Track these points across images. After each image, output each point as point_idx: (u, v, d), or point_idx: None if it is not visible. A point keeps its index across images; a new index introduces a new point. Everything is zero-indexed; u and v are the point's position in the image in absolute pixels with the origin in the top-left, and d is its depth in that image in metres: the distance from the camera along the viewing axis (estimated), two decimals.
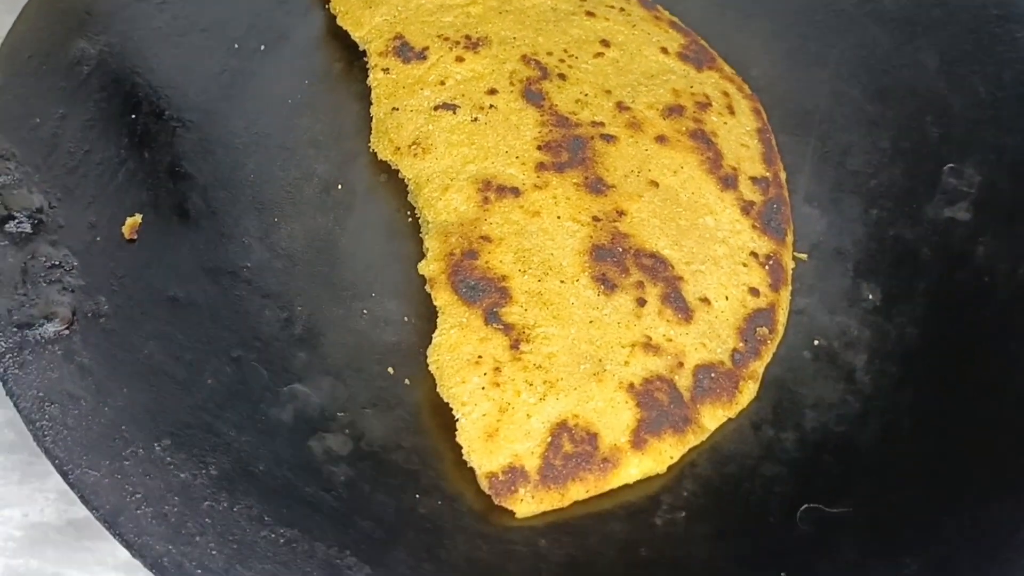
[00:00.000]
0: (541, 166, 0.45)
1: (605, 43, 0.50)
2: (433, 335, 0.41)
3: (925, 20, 0.53)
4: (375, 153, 0.47)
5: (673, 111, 0.48)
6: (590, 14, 0.51)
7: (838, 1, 0.54)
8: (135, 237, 0.42)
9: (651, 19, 0.52)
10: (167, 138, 0.46)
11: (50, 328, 0.39)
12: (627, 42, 0.50)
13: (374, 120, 0.47)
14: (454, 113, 0.47)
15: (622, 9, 0.52)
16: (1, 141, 0.42)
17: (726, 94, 0.50)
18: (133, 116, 0.46)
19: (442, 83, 0.48)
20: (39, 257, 0.40)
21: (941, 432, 0.41)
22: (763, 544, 0.39)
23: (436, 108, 0.47)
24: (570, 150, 0.46)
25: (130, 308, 0.40)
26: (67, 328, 0.39)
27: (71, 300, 0.40)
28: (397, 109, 0.47)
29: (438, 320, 0.41)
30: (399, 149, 0.46)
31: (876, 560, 0.38)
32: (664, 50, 0.51)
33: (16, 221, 0.41)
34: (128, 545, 0.35)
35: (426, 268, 0.42)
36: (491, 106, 0.47)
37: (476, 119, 0.46)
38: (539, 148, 0.46)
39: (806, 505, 0.39)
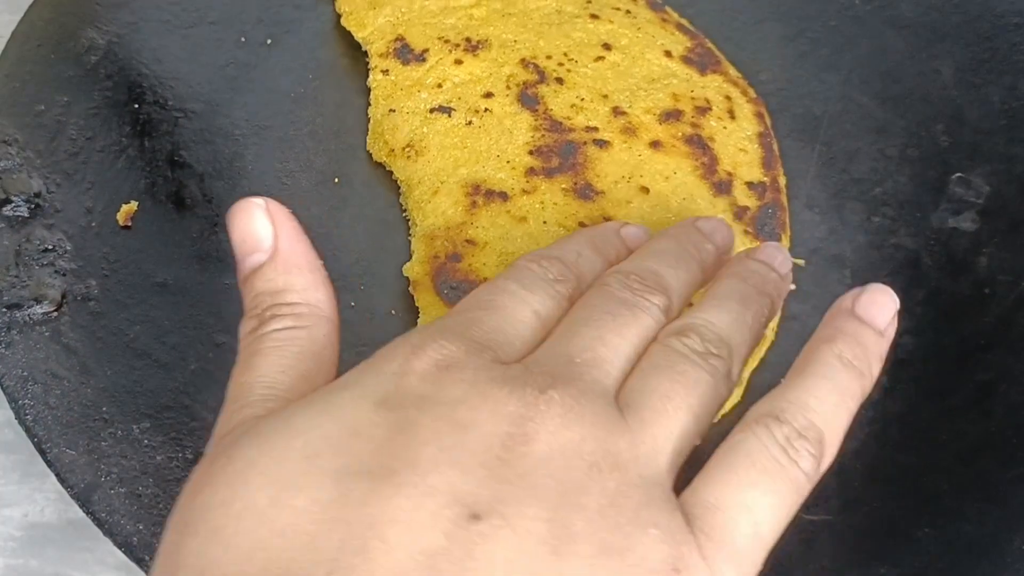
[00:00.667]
0: (531, 171, 0.45)
1: (607, 46, 0.50)
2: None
3: (942, 27, 0.52)
4: None
5: (670, 116, 0.48)
6: (594, 16, 0.51)
7: (853, 6, 0.54)
8: (130, 224, 0.43)
9: (658, 21, 0.52)
10: (168, 127, 0.47)
11: (39, 310, 0.40)
12: (630, 45, 0.50)
13: (371, 121, 0.48)
14: (449, 116, 0.47)
15: (628, 11, 0.52)
16: (5, 127, 0.44)
17: (728, 98, 0.49)
18: (137, 105, 0.47)
19: (439, 86, 0.48)
20: (33, 240, 0.41)
21: (927, 443, 0.41)
22: None
23: (432, 111, 0.47)
24: (561, 155, 0.46)
25: (119, 292, 0.41)
26: (56, 310, 0.40)
27: (62, 283, 0.41)
28: (394, 111, 0.47)
29: (418, 320, 0.42)
30: (393, 151, 0.46)
31: (851, 568, 0.38)
32: (668, 53, 0.50)
33: (13, 205, 0.42)
34: (99, 523, 0.36)
35: (411, 271, 0.43)
36: (486, 110, 0.47)
37: (470, 123, 0.47)
38: (530, 153, 0.46)
39: None
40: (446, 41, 0.49)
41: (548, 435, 0.27)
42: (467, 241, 0.43)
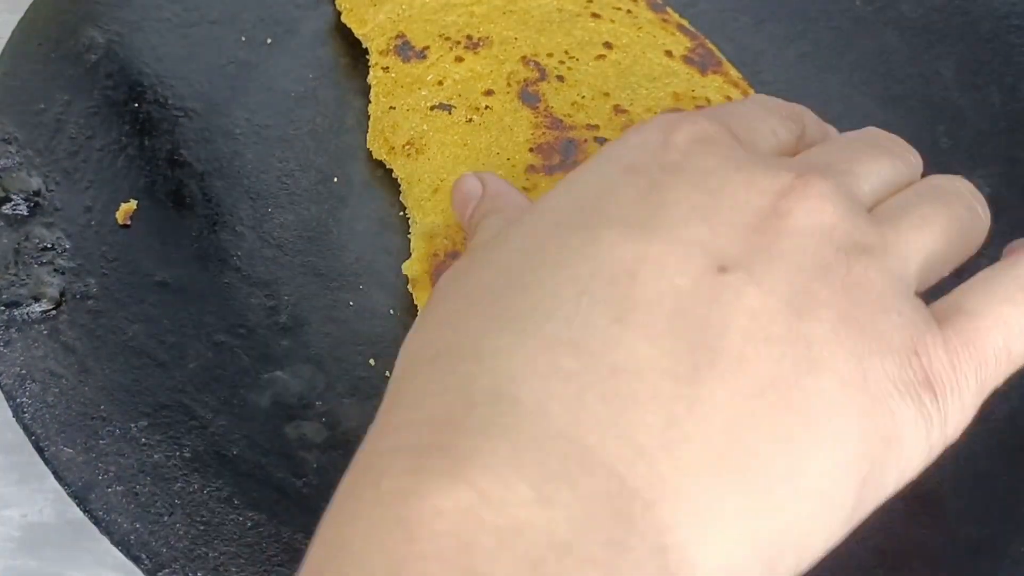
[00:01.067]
0: (531, 168, 0.45)
1: (608, 45, 0.50)
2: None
3: (944, 28, 0.52)
4: None
5: None
6: (596, 16, 0.51)
7: (854, 7, 0.54)
8: (129, 223, 0.43)
9: (658, 22, 0.52)
10: (168, 126, 0.47)
11: (38, 308, 0.40)
12: (631, 44, 0.50)
13: (371, 119, 0.48)
14: (449, 113, 0.47)
15: (629, 11, 0.52)
16: (5, 125, 0.44)
17: (729, 98, 0.49)
18: (136, 104, 0.47)
19: (440, 83, 0.48)
20: (32, 239, 0.41)
21: None
22: None
23: (432, 108, 0.47)
24: (562, 152, 0.46)
25: (118, 291, 0.41)
26: (55, 308, 0.40)
27: (61, 281, 0.41)
28: (394, 108, 0.47)
29: (417, 317, 0.41)
30: (393, 148, 0.46)
31: (848, 570, 0.38)
32: (669, 53, 0.50)
33: (13, 203, 0.42)
34: (96, 521, 0.35)
35: (410, 269, 0.43)
36: (487, 107, 0.47)
37: (471, 120, 0.47)
38: (531, 150, 0.46)
39: None
40: (447, 38, 0.49)
41: (801, 213, 0.27)
42: (467, 239, 0.43)
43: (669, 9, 0.53)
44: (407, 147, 0.46)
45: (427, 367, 0.27)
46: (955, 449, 0.40)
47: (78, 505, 0.36)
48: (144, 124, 0.46)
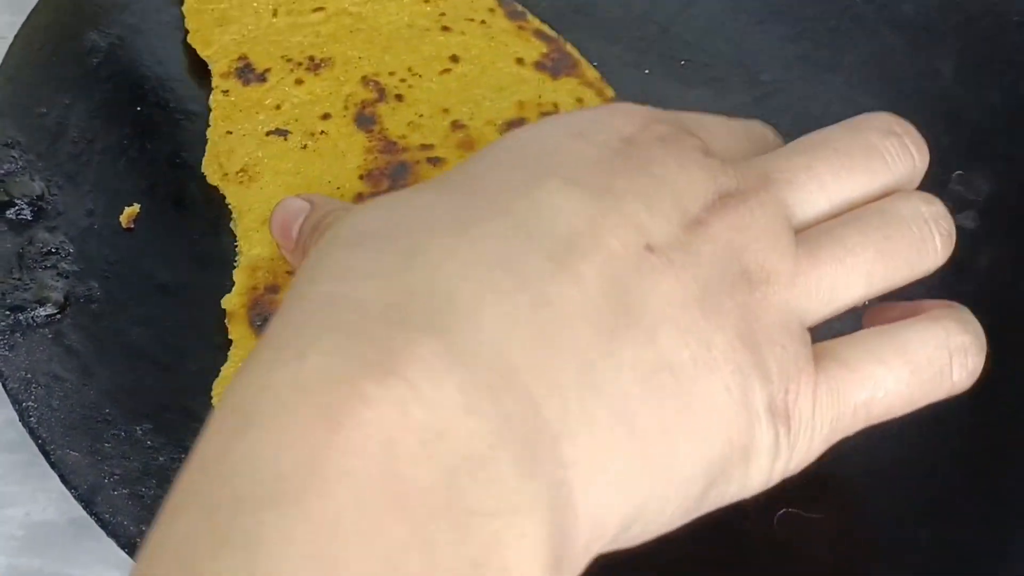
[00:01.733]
0: (360, 197, 0.43)
1: (455, 59, 0.49)
2: (221, 368, 0.39)
3: (943, 27, 0.52)
4: None
5: (513, 125, 0.46)
6: (446, 29, 0.50)
7: (854, 6, 0.54)
8: (132, 227, 0.43)
9: (514, 30, 0.50)
10: (169, 129, 0.47)
11: (42, 312, 0.40)
12: (480, 56, 0.49)
13: (208, 143, 0.46)
14: (285, 139, 0.45)
15: (483, 22, 0.50)
16: (7, 129, 0.44)
17: (580, 100, 0.48)
18: (138, 107, 0.47)
19: (278, 107, 0.46)
20: (36, 243, 0.42)
21: (926, 443, 0.41)
22: (736, 546, 0.38)
23: (268, 133, 0.46)
24: (392, 177, 0.44)
25: (121, 294, 0.41)
26: (59, 312, 0.40)
27: (64, 285, 0.41)
28: (231, 133, 0.46)
29: (230, 352, 0.40)
30: (227, 175, 0.45)
31: (848, 566, 0.38)
32: (519, 61, 0.49)
33: (16, 208, 0.42)
34: (103, 524, 0.36)
35: (228, 303, 0.41)
36: (322, 132, 0.45)
37: (305, 146, 0.45)
38: (361, 177, 0.44)
39: (784, 510, 0.39)
40: (288, 60, 0.48)
41: (720, 228, 0.29)
42: (289, 272, 0.41)
43: (530, 16, 0.52)
44: (240, 174, 0.44)
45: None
46: (955, 449, 0.41)
47: (84, 508, 0.36)
48: (145, 127, 0.47)
